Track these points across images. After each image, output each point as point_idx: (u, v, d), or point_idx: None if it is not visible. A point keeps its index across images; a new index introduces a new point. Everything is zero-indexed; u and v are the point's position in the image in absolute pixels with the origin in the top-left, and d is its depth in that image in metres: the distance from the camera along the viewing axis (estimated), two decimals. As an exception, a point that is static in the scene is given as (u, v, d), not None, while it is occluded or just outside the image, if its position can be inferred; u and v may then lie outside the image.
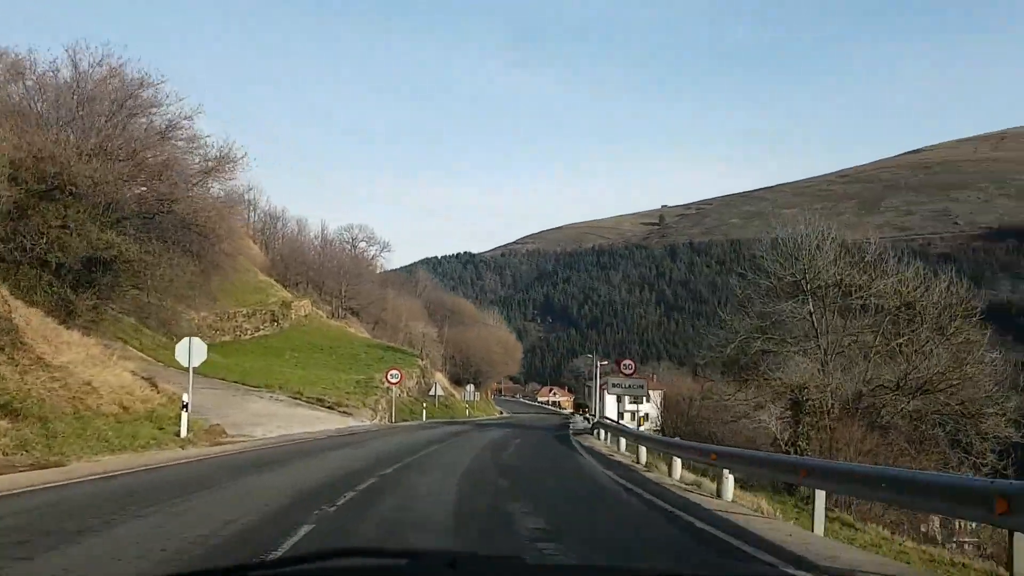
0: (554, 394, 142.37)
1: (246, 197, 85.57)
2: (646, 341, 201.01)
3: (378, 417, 37.60)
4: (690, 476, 16.91)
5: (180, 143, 31.24)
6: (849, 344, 27.79)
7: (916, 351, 25.97)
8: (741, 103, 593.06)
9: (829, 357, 26.93)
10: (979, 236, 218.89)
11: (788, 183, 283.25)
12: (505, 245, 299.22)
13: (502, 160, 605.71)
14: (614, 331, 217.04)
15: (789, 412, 25.11)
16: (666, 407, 42.13)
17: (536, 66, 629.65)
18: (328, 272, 78.80)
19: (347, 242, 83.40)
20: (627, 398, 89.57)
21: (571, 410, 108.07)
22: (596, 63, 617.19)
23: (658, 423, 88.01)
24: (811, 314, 28.66)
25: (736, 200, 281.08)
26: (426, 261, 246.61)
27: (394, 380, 40.39)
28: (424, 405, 48.87)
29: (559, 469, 17.23)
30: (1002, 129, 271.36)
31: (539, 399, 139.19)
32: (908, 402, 25.44)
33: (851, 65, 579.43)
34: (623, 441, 26.75)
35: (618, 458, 21.83)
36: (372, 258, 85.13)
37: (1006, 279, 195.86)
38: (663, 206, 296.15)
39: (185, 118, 30.40)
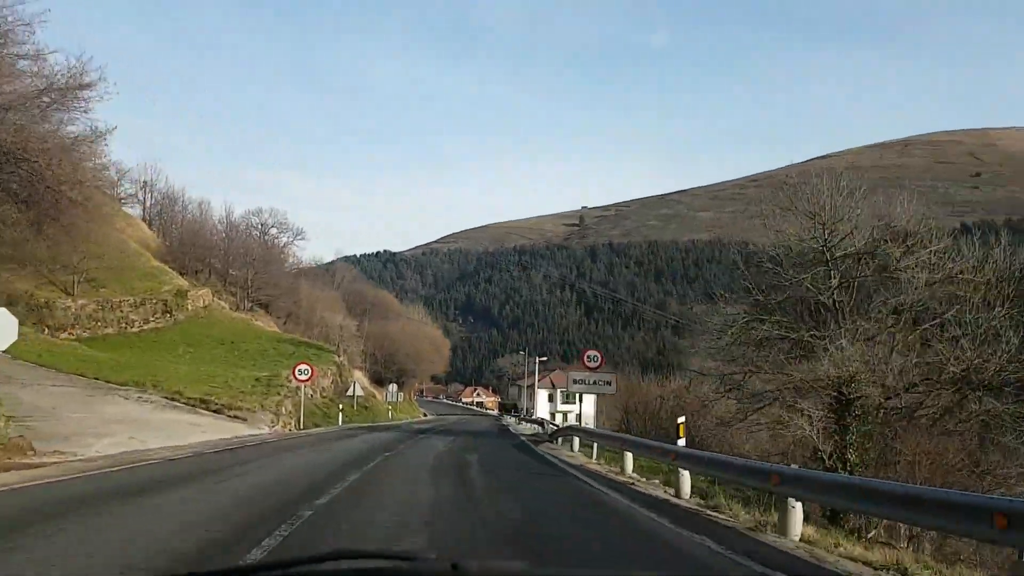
0: (478, 395, 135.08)
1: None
2: (567, 341, 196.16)
3: (280, 422, 29.40)
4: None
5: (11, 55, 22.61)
6: (892, 327, 21.16)
7: (980, 335, 19.59)
8: (657, 108, 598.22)
9: (862, 345, 20.30)
10: (880, 240, 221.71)
11: (703, 186, 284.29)
12: (426, 244, 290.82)
13: (422, 158, 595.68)
14: (535, 331, 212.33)
15: (832, 415, 18.33)
16: (627, 409, 35.23)
17: (456, 64, 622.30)
18: (234, 260, 69.36)
19: (256, 228, 74.02)
20: (559, 398, 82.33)
21: (497, 411, 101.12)
22: (515, 64, 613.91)
23: (593, 423, 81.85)
24: (835, 292, 22.07)
25: (653, 202, 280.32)
26: (345, 259, 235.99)
27: (303, 377, 32.26)
28: (340, 407, 40.71)
29: (594, 524, 9.71)
30: (905, 136, 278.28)
31: (463, 400, 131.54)
32: (978, 400, 19.04)
33: (762, 73, 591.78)
34: (594, 447, 20.56)
35: (622, 479, 14.79)
36: (284, 246, 75.93)
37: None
38: (583, 207, 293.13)
39: (22, 24, 21.88)
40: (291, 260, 75.35)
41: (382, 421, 49.32)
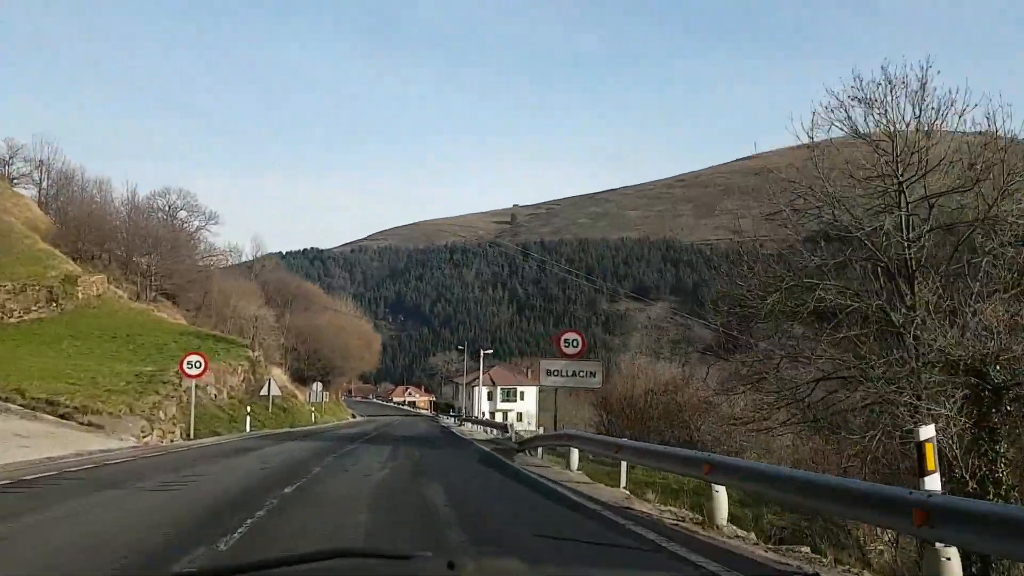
0: (410, 394, 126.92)
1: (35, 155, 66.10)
2: (499, 339, 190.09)
3: (158, 431, 21.67)
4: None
5: None
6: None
7: None
8: (588, 109, 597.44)
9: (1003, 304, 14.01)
10: (808, 239, 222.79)
11: (632, 186, 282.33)
12: (355, 241, 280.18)
13: (351, 155, 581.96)
14: (467, 329, 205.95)
15: (963, 411, 11.97)
16: (607, 407, 28.42)
17: (384, 61, 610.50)
18: (136, 245, 60.22)
19: (162, 210, 64.91)
20: (499, 396, 75.25)
21: (431, 411, 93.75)
22: (446, 62, 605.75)
23: (535, 423, 74.79)
24: (911, 244, 15.87)
25: (583, 201, 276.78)
26: (270, 257, 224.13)
27: (194, 371, 24.62)
28: (249, 410, 32.91)
29: None
30: (829, 138, 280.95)
31: (394, 400, 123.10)
32: None
33: (686, 76, 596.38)
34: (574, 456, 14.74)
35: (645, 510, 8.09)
36: (196, 231, 66.92)
37: (830, 278, 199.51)
38: (515, 205, 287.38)
39: None
40: (203, 247, 66.48)
41: (303, 425, 41.66)
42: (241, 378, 39.44)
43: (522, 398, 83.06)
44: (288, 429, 35.92)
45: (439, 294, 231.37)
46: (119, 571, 5.50)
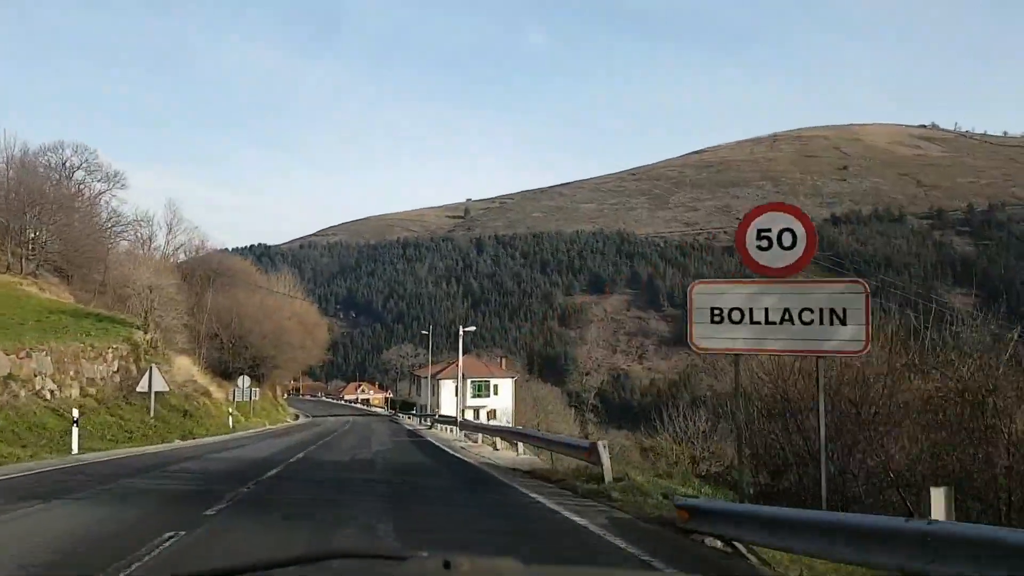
0: (362, 391, 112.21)
1: None
2: (453, 334, 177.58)
3: None
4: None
5: None
6: None
7: None
8: (541, 105, 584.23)
9: None
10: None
11: (585, 179, 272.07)
12: (304, 237, 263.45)
13: (296, 152, 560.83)
14: (421, 324, 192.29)
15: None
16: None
17: (329, 55, 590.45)
18: (16, 208, 45.32)
19: (52, 168, 50.10)
20: (469, 391, 61.76)
21: (388, 409, 79.52)
22: (397, 59, 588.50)
23: (509, 420, 61.62)
24: None
25: (537, 195, 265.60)
26: (215, 253, 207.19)
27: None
28: (77, 419, 19.07)
29: None
30: (773, 133, 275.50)
31: (345, 397, 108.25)
32: None
33: (640, 73, 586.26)
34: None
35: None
36: (97, 196, 52.20)
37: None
38: (468, 199, 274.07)
39: None
40: (107, 215, 51.66)
41: (213, 434, 28.05)
42: (114, 368, 25.60)
43: (496, 392, 69.39)
44: (179, 441, 22.41)
45: (391, 289, 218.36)
46: None
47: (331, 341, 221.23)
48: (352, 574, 1.81)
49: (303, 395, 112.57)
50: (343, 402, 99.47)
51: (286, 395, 75.65)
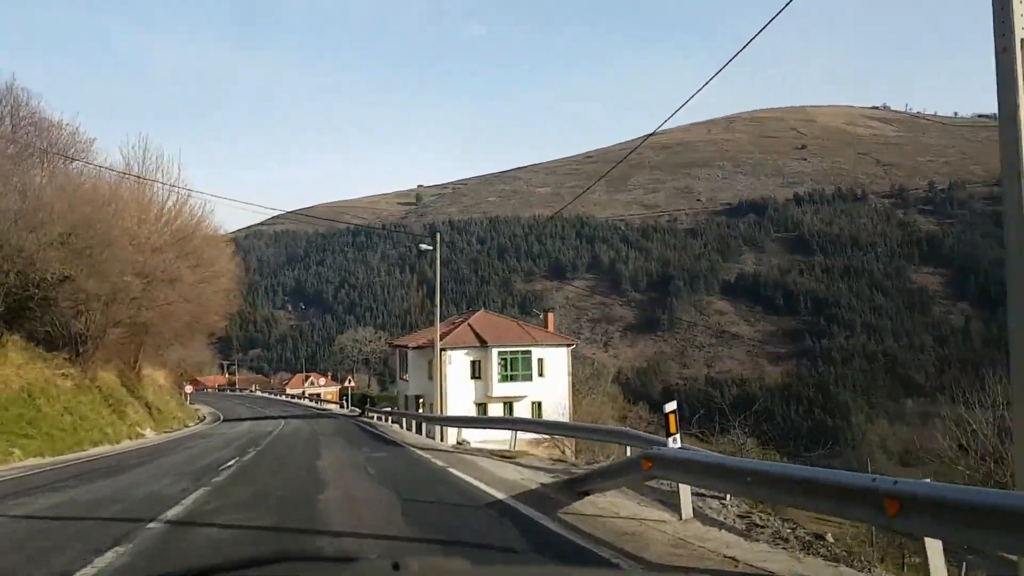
0: (311, 383, 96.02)
1: None
2: (409, 324, 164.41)
3: None
4: None
5: None
6: None
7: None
8: (493, 89, 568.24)
9: None
10: (720, 212, 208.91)
11: (541, 163, 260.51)
12: (248, 227, 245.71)
13: (240, 139, 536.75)
14: (375, 315, 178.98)
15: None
16: None
17: (264, 44, 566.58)
18: None
19: None
20: (495, 370, 41.45)
21: (344, 407, 61.92)
22: (342, 46, 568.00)
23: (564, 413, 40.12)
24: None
25: (492, 179, 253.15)
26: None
27: None
28: None
29: None
30: (730, 114, 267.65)
31: (288, 391, 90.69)
32: None
33: (595, 58, 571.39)
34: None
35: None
36: None
37: (749, 252, 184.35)
38: (419, 185, 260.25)
39: None
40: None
41: None
42: None
43: (541, 372, 45.72)
44: None
45: (343, 279, 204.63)
46: None
47: (278, 336, 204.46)
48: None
49: (239, 388, 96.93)
50: (282, 399, 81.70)
51: (192, 392, 58.25)
